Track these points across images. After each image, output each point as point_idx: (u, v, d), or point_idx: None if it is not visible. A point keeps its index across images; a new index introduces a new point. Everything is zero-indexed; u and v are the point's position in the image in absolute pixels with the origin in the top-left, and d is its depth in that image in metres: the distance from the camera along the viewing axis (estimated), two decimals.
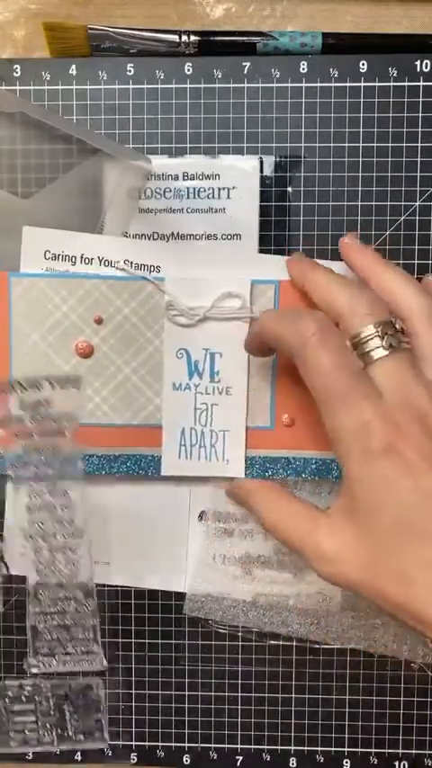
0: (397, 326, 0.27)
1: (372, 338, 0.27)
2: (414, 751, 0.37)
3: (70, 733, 0.35)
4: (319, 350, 0.27)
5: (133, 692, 0.37)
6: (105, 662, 0.34)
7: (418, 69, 0.34)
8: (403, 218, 0.34)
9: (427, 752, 0.37)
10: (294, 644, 0.36)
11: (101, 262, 0.33)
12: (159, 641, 0.37)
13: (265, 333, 0.30)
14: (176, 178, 0.34)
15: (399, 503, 0.25)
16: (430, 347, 0.28)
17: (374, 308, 0.28)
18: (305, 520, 0.28)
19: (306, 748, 0.37)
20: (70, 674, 0.35)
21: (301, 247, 0.35)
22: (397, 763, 0.37)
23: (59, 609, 0.33)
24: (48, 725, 0.35)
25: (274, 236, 0.35)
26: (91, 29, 0.34)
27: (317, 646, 0.36)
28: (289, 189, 0.35)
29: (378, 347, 0.27)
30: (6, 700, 0.35)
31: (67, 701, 0.35)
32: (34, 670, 0.34)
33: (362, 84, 0.34)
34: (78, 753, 0.37)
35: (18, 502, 0.33)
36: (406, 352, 0.27)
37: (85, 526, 0.33)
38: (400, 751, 0.37)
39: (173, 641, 0.37)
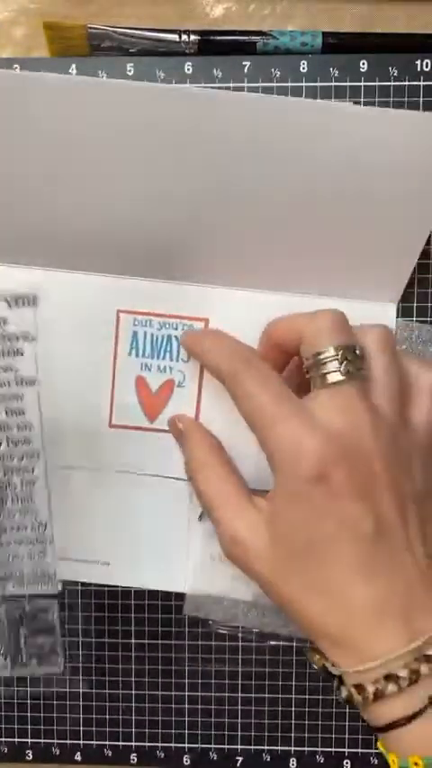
0: (357, 352, 0.27)
1: (331, 360, 0.27)
2: None
3: (24, 659, 0.35)
4: (249, 378, 0.28)
5: (133, 692, 0.37)
6: (60, 586, 0.35)
7: (419, 69, 0.34)
8: None
9: None
10: (294, 644, 0.36)
11: None
12: (159, 641, 0.37)
13: (205, 360, 0.32)
14: None
15: (317, 527, 0.26)
16: (382, 371, 0.27)
17: (338, 332, 0.27)
18: (233, 499, 0.29)
19: (306, 748, 0.37)
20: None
21: None
22: None
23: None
24: (1, 649, 0.35)
25: None
26: (91, 28, 0.34)
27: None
28: None
29: (335, 371, 0.27)
30: None
31: (22, 625, 0.35)
32: None
33: (362, 83, 0.34)
34: (78, 754, 0.37)
35: None
36: (360, 382, 0.27)
37: (43, 449, 0.34)
38: None
39: (173, 641, 0.37)
